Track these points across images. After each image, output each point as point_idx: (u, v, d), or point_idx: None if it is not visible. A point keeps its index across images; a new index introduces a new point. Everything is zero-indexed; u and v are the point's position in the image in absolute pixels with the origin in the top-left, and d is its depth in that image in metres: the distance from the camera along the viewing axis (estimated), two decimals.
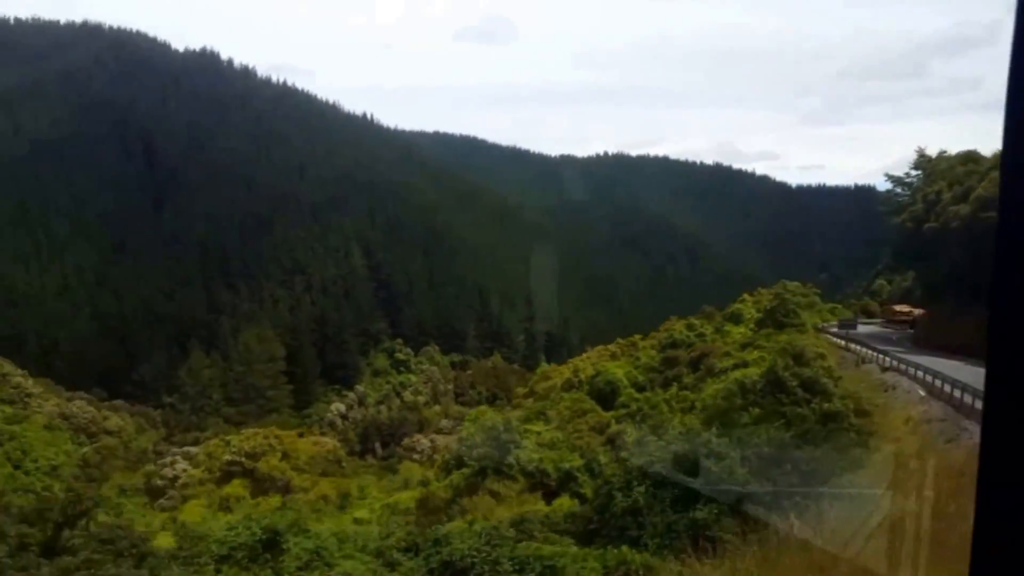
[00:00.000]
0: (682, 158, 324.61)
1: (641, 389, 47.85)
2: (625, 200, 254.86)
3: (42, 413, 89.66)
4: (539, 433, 35.79)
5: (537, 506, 25.69)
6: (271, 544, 18.99)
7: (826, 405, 17.17)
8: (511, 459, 30.66)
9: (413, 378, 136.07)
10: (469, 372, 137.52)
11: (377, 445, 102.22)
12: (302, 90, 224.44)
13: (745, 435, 15.40)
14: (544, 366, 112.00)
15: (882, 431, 17.95)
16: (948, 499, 7.68)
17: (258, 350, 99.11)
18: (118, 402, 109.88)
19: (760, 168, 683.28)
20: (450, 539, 17.19)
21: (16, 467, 74.02)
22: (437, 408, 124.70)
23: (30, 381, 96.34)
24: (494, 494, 29.40)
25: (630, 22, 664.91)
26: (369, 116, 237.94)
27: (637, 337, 64.53)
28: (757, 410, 17.05)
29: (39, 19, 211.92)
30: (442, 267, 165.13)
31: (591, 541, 16.47)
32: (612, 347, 64.14)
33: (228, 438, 49.40)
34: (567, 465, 29.60)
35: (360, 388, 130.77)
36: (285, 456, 44.84)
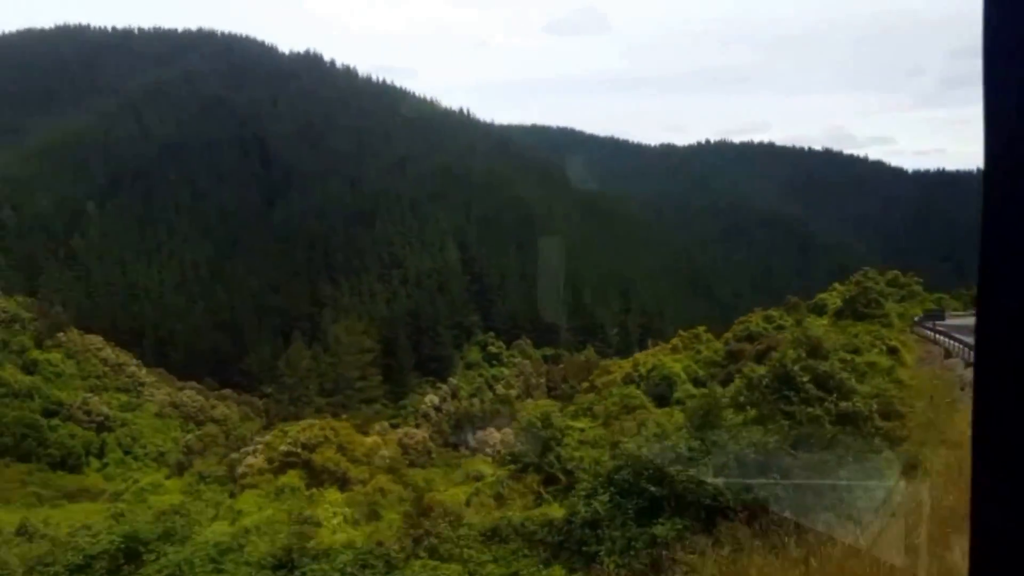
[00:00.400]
0: (789, 144, 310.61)
1: (700, 384, 46.03)
2: (728, 189, 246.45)
3: (154, 402, 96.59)
4: (582, 430, 35.07)
5: (551, 509, 25.10)
6: (134, 554, 17.61)
7: (843, 404, 15.04)
8: (552, 457, 30.13)
9: (505, 371, 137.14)
10: (561, 366, 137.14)
11: (469, 437, 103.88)
12: (401, 88, 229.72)
13: (731, 438, 13.83)
14: (609, 360, 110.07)
15: (922, 437, 15.81)
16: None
17: (347, 342, 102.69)
18: (226, 391, 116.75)
19: (873, 153, 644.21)
20: (328, 557, 16.36)
21: (127, 452, 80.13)
22: (529, 402, 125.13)
23: (144, 371, 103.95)
24: (533, 492, 29.09)
25: (727, 4, 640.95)
26: (466, 111, 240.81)
27: (701, 329, 61.81)
28: (754, 410, 15.23)
29: (160, 28, 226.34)
30: (535, 260, 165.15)
31: (558, 555, 15.50)
32: (675, 340, 61.87)
33: (286, 428, 51.29)
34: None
35: (453, 381, 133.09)
36: (342, 448, 46.01)
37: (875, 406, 15.88)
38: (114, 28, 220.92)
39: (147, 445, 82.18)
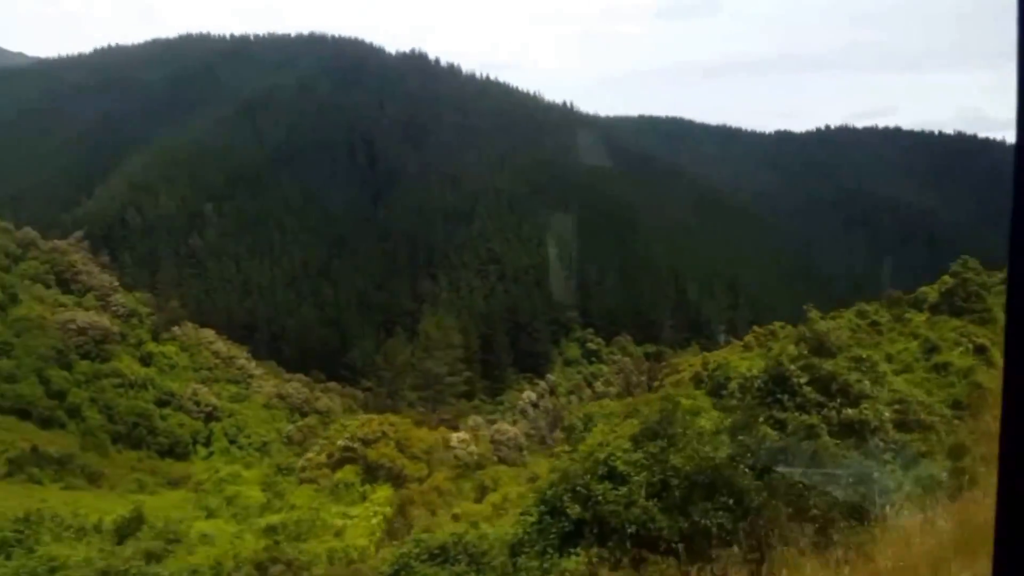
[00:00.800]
0: (917, 128, 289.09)
1: None
2: (850, 178, 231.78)
3: (261, 393, 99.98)
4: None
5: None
6: None
7: (848, 412, 11.68)
8: None
9: (605, 368, 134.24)
10: (663, 363, 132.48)
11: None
12: (504, 84, 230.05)
13: (679, 451, 10.76)
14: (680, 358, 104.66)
15: (957, 452, 12.15)
16: None
17: (436, 337, 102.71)
18: (331, 384, 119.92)
19: (1012, 136, 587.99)
20: None
21: (232, 442, 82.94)
22: (629, 399, 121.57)
23: (253, 363, 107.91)
24: None
25: None
26: (569, 104, 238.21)
27: (777, 325, 56.88)
28: (729, 417, 11.97)
29: (274, 34, 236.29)
30: (637, 254, 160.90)
31: None
32: (749, 337, 57.18)
33: (346, 423, 50.77)
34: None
35: (551, 377, 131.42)
36: (399, 445, 44.91)
37: (887, 414, 12.38)
38: (232, 35, 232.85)
39: (251, 435, 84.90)
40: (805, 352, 13.20)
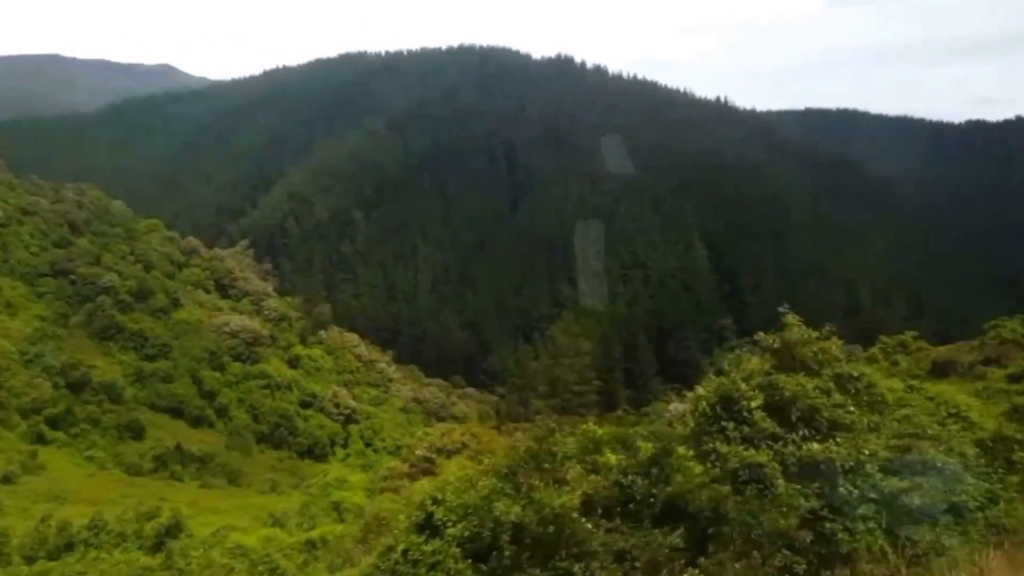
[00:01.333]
0: None
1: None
2: None
3: (400, 397, 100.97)
4: None
5: None
6: None
7: (811, 447, 7.32)
8: None
9: None
10: None
11: None
12: (652, 82, 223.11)
13: (522, 497, 7.09)
14: None
15: None
16: None
17: (564, 344, 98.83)
18: (469, 390, 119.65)
19: None
20: None
21: (367, 445, 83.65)
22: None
23: (393, 367, 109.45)
24: None
25: None
26: (723, 100, 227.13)
27: (909, 336, 47.77)
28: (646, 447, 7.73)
29: (426, 48, 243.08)
30: (799, 256, 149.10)
31: None
32: (875, 349, 48.52)
33: (428, 431, 48.01)
34: None
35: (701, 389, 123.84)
36: (477, 456, 41.38)
37: (881, 452, 7.86)
38: (386, 52, 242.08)
39: (386, 438, 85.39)
40: (769, 368, 9.04)
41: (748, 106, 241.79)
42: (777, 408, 8.39)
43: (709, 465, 7.93)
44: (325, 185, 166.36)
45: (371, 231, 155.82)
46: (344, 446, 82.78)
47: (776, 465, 7.77)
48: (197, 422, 70.10)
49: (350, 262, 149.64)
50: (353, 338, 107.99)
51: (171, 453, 57.32)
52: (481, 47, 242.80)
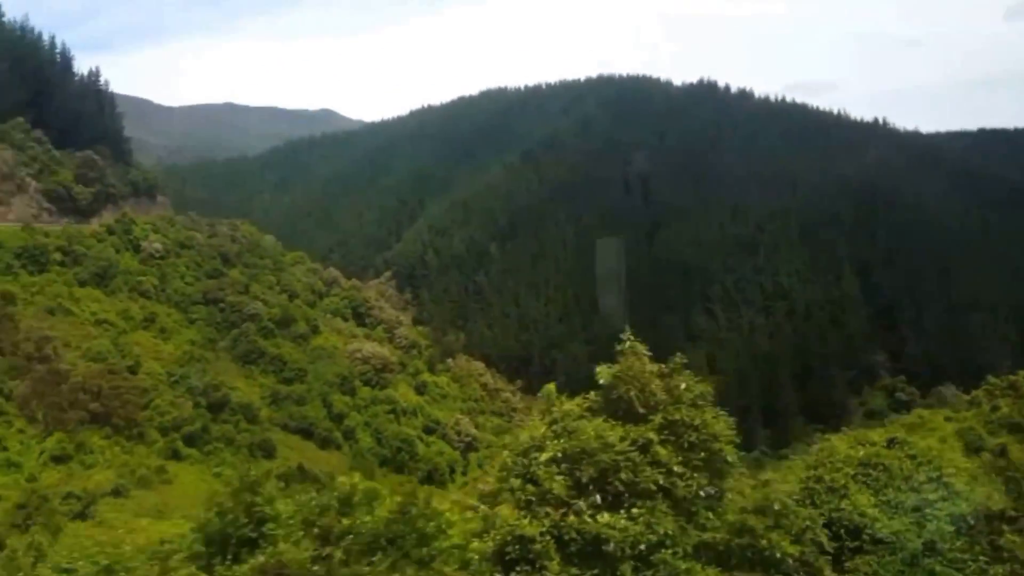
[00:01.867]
0: None
1: (975, 452, 28.44)
2: None
3: (523, 426, 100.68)
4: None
5: None
6: None
7: (597, 521, 4.82)
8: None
9: None
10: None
11: None
12: (802, 104, 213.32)
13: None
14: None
15: None
16: None
17: None
18: None
19: None
20: None
21: (486, 473, 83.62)
22: None
23: (517, 396, 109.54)
24: None
25: None
26: (882, 121, 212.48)
27: (1022, 376, 39.78)
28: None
29: (564, 80, 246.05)
30: (966, 290, 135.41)
31: None
32: (978, 392, 41.16)
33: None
34: None
35: (848, 431, 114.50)
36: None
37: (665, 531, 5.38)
38: (526, 86, 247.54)
39: None
40: (584, 411, 6.98)
41: (910, 127, 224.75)
42: (573, 464, 6.76)
43: (484, 538, 6.38)
44: (463, 218, 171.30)
45: (505, 262, 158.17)
46: (464, 473, 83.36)
47: (551, 541, 6.10)
48: (325, 443, 73.08)
49: (484, 292, 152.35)
50: (479, 367, 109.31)
51: (292, 473, 59.79)
52: (620, 76, 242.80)
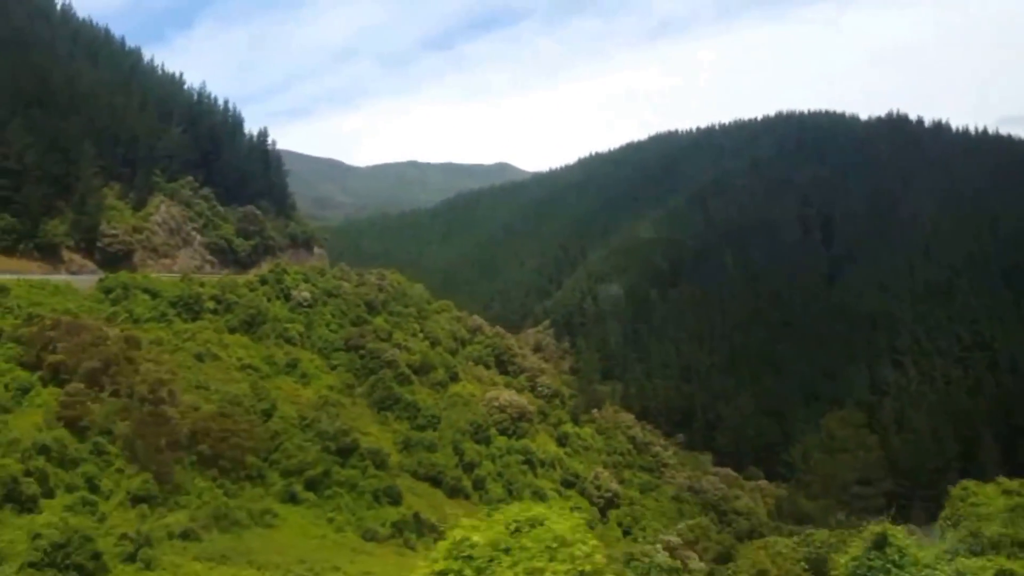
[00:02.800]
0: None
1: None
2: None
3: (673, 484, 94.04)
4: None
5: None
6: None
7: None
8: None
9: None
10: None
11: None
12: (1006, 136, 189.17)
13: None
14: None
15: None
16: None
17: (841, 436, 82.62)
18: (763, 483, 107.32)
19: None
20: None
21: (625, 532, 78.39)
22: None
23: (670, 451, 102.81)
24: None
25: None
26: None
27: None
28: None
29: (739, 120, 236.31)
30: None
31: None
32: None
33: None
34: None
35: None
36: None
37: None
38: (698, 128, 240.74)
39: (646, 527, 79.40)
40: None
41: None
42: None
43: None
44: (623, 264, 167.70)
45: (667, 309, 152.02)
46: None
47: None
48: (454, 492, 71.83)
49: (643, 341, 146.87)
50: (628, 418, 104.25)
51: (408, 521, 59.00)
52: (800, 113, 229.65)
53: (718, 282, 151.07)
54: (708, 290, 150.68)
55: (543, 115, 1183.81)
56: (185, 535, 35.53)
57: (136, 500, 38.40)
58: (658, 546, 45.04)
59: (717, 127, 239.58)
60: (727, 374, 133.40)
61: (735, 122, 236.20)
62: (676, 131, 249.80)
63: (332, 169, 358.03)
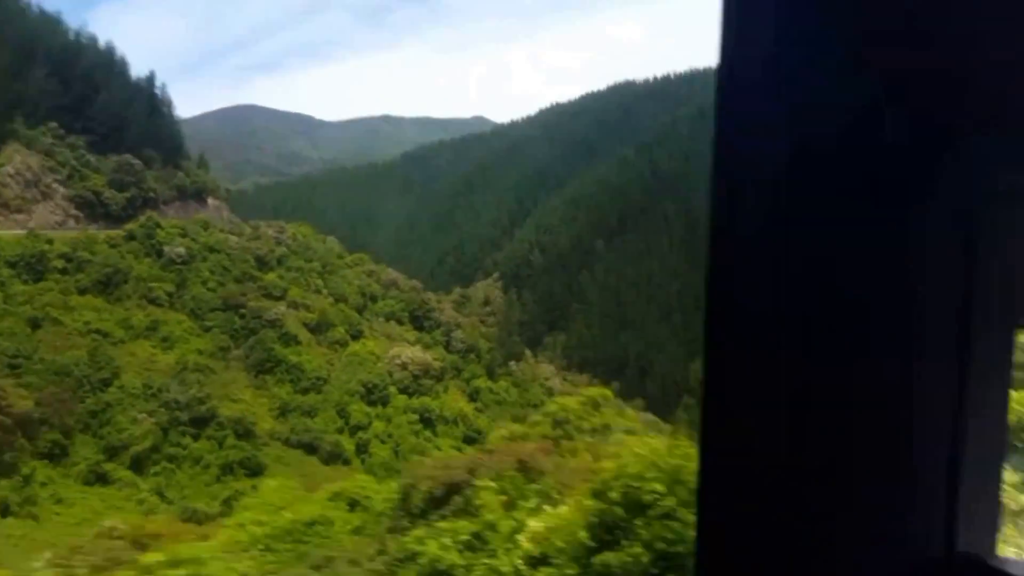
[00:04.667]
0: None
1: None
2: None
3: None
4: None
5: None
6: None
7: None
8: None
9: None
10: None
11: None
12: None
13: None
14: None
15: None
16: None
17: None
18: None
19: None
20: None
21: None
22: None
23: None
24: None
25: None
26: None
27: None
28: None
29: (695, 69, 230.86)
30: None
31: None
32: None
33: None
34: None
35: None
36: None
37: None
38: (655, 78, 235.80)
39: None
40: None
41: None
42: None
43: None
44: (571, 215, 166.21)
45: (610, 260, 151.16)
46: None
47: None
48: (331, 458, 70.60)
49: (587, 292, 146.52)
50: (547, 370, 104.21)
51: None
52: None
53: (659, 232, 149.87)
54: (651, 240, 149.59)
55: (521, 68, 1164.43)
56: None
57: None
58: None
59: (672, 76, 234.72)
60: (662, 323, 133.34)
61: (690, 71, 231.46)
62: (634, 81, 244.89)
63: (302, 124, 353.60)
